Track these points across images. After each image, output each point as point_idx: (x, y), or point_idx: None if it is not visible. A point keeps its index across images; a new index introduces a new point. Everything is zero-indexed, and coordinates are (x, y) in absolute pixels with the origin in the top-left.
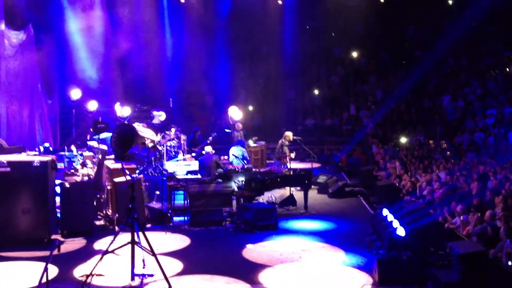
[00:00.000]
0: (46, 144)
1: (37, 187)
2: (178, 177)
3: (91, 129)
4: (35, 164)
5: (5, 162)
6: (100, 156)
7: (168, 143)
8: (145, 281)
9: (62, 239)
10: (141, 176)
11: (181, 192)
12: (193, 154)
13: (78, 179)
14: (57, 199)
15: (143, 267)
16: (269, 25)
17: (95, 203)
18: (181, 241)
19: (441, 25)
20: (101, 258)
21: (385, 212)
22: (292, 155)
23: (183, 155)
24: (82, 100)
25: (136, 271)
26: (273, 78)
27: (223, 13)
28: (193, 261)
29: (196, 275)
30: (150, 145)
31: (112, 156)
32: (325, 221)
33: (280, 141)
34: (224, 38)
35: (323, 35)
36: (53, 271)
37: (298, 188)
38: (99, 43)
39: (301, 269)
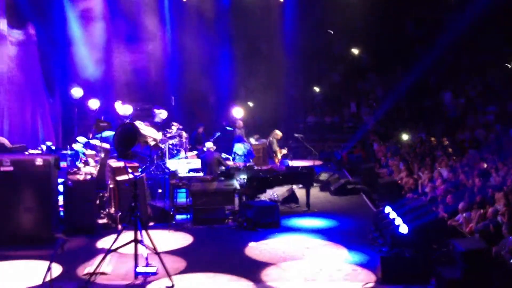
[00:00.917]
0: (49, 143)
1: (40, 186)
2: (180, 175)
3: (94, 128)
4: (37, 163)
5: (8, 161)
6: (102, 155)
7: (170, 141)
8: (148, 279)
9: (65, 238)
10: (144, 174)
11: (184, 190)
12: (196, 152)
13: (81, 177)
14: (60, 197)
15: (146, 265)
16: (270, 23)
17: (98, 202)
18: (183, 239)
19: (442, 21)
20: (104, 257)
21: (388, 209)
22: (284, 151)
23: (185, 153)
24: (84, 99)
25: (139, 269)
26: (274, 75)
27: (224, 10)
28: (196, 259)
29: (199, 273)
30: (152, 143)
31: (115, 154)
32: (327, 219)
33: (268, 139)
34: (225, 36)
35: (323, 32)
36: (57, 269)
37: (300, 185)
38: (101, 41)
39: (304, 266)
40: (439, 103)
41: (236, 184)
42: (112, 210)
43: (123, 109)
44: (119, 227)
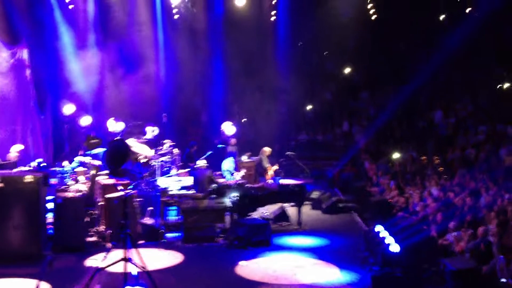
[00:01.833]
0: (39, 160)
1: (28, 203)
2: (171, 192)
3: (84, 144)
4: (27, 180)
5: None
6: (93, 172)
7: (161, 158)
8: None
9: (54, 255)
10: (134, 191)
11: (174, 207)
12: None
13: (71, 195)
14: (49, 215)
15: (136, 284)
16: (262, 41)
17: (87, 219)
18: (174, 257)
19: (433, 41)
20: (93, 275)
21: (379, 228)
22: (275, 167)
23: (177, 170)
24: (75, 115)
25: None
26: (266, 93)
27: (217, 28)
28: (185, 277)
29: None
30: (143, 160)
31: (105, 172)
32: (318, 237)
33: (258, 157)
34: (217, 54)
35: (315, 50)
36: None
37: (292, 203)
38: (93, 58)
39: (295, 286)
40: (430, 122)
41: (227, 202)
42: (102, 228)
43: (115, 126)
44: (109, 245)
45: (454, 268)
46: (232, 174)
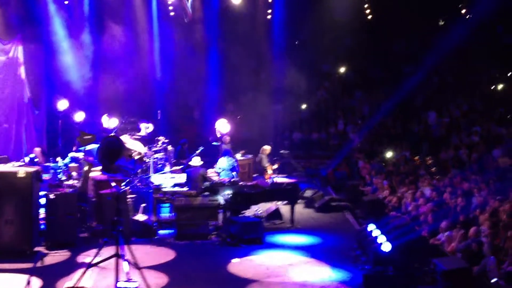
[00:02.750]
0: (32, 155)
1: (21, 198)
2: (165, 189)
3: (78, 140)
4: (19, 175)
5: None
6: (86, 168)
7: (155, 155)
8: None
9: (45, 251)
10: (127, 188)
11: (167, 205)
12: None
13: (63, 190)
14: (42, 210)
15: (128, 280)
16: (258, 39)
17: (79, 215)
18: (166, 254)
19: (428, 42)
20: (85, 271)
21: (371, 227)
22: (275, 166)
23: (170, 168)
24: (69, 111)
25: (120, 285)
26: (261, 91)
27: (212, 26)
28: (178, 274)
29: None
30: (137, 157)
31: (98, 168)
32: (311, 236)
33: (258, 156)
34: (213, 52)
35: (311, 49)
36: (37, 283)
37: (285, 202)
38: (88, 54)
39: (288, 284)
40: (424, 122)
41: (220, 199)
42: (94, 224)
43: (109, 122)
44: (101, 241)
45: (445, 267)
46: (232, 171)
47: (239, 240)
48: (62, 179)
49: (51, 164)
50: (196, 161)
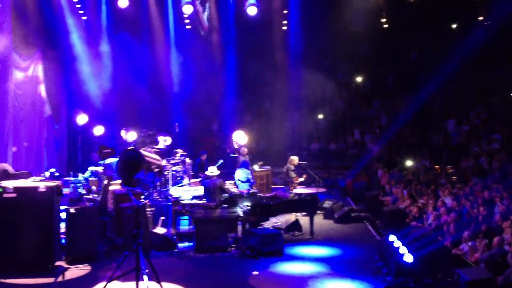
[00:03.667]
0: (52, 170)
1: (42, 212)
2: (183, 202)
3: (97, 154)
4: (40, 190)
5: (11, 187)
6: (105, 182)
7: (173, 168)
8: None
9: (66, 266)
10: (147, 201)
11: (186, 217)
12: (199, 179)
13: (84, 204)
14: (62, 224)
15: None
16: (274, 50)
17: (100, 229)
18: (186, 267)
19: (445, 49)
20: (105, 285)
21: (392, 238)
22: (302, 179)
23: (189, 180)
24: (88, 125)
25: None
26: (278, 102)
27: (229, 38)
28: (198, 287)
29: None
30: (156, 170)
31: (118, 181)
32: (331, 247)
33: (285, 166)
34: (229, 63)
35: (327, 59)
36: None
37: (304, 213)
38: (107, 68)
39: None
40: (443, 131)
41: (239, 211)
42: (115, 238)
43: (127, 135)
44: (121, 254)
45: (469, 278)
46: (247, 183)
47: (259, 253)
48: (82, 193)
49: (72, 178)
50: (212, 171)
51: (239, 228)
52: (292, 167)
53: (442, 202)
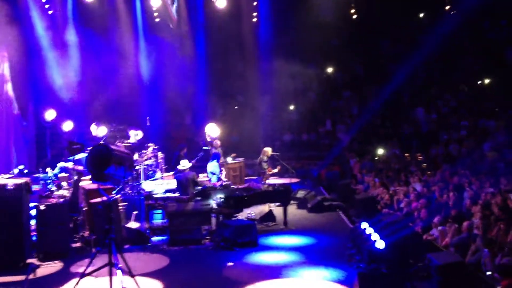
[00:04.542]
0: (21, 167)
1: (11, 210)
2: (156, 196)
3: (66, 150)
4: (8, 187)
5: None
6: (75, 177)
7: (145, 162)
8: None
9: (38, 263)
10: (118, 196)
11: (159, 211)
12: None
13: (54, 201)
14: (33, 221)
15: None
16: (244, 42)
17: (71, 225)
18: (160, 261)
19: (414, 39)
20: (78, 281)
21: (364, 225)
22: (275, 170)
23: (161, 174)
24: (57, 121)
25: None
26: (250, 94)
27: (199, 29)
28: (172, 281)
29: None
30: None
31: (88, 177)
32: (305, 236)
33: (259, 158)
34: (200, 55)
35: (297, 51)
36: None
37: (277, 203)
38: (74, 62)
39: (283, 286)
40: (412, 119)
41: (212, 203)
42: (86, 233)
43: (98, 130)
44: (93, 250)
45: (440, 262)
46: (217, 175)
47: (233, 244)
48: (52, 189)
49: (41, 175)
50: (184, 165)
51: (213, 220)
52: (265, 158)
53: (413, 188)
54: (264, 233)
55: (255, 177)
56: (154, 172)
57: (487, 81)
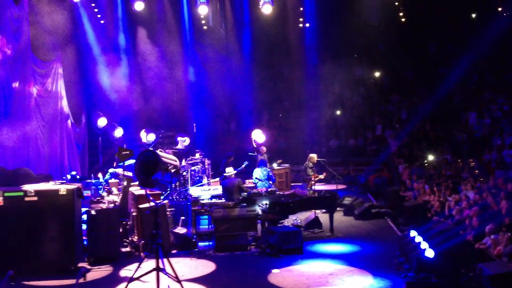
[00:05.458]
0: (73, 172)
1: (63, 215)
2: (203, 201)
3: (116, 156)
4: (61, 193)
5: (32, 191)
6: (125, 183)
7: (192, 168)
8: None
9: (88, 267)
10: (166, 201)
11: (206, 217)
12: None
13: (104, 206)
14: (84, 226)
15: None
16: (291, 48)
17: (121, 230)
18: (206, 266)
19: (465, 41)
20: (126, 286)
21: (413, 233)
22: (321, 176)
23: (207, 180)
24: (108, 128)
25: None
26: (296, 100)
27: (246, 37)
28: (218, 286)
29: None
30: (173, 170)
31: (137, 183)
32: (351, 244)
33: (304, 164)
34: (247, 62)
35: (344, 55)
36: None
37: (324, 210)
38: (125, 70)
39: None
40: (464, 124)
41: (258, 209)
42: (135, 238)
43: (147, 137)
44: (142, 255)
45: (492, 272)
46: (267, 181)
47: (279, 250)
48: (103, 195)
49: (92, 181)
50: (229, 171)
51: (259, 226)
52: (310, 165)
53: (465, 196)
54: (310, 240)
55: (300, 183)
56: (201, 178)
57: None
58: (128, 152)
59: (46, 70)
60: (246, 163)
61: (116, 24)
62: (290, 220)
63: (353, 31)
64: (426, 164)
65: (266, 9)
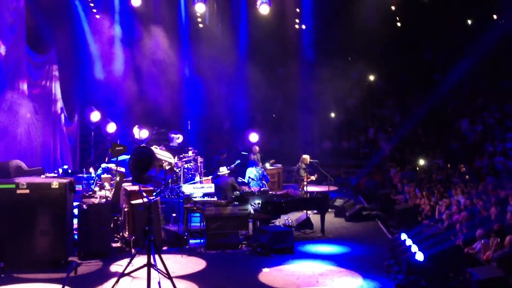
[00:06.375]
0: (65, 166)
1: (55, 209)
2: (195, 199)
3: (109, 151)
4: (53, 186)
5: (24, 183)
6: (117, 178)
7: (185, 165)
8: None
9: (79, 261)
10: (158, 198)
11: (198, 214)
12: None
13: (96, 201)
14: (75, 221)
15: None
16: (286, 48)
17: (112, 225)
18: (197, 264)
19: (460, 48)
20: (117, 281)
21: (404, 236)
22: (313, 177)
23: (200, 177)
24: (101, 123)
25: None
26: (290, 101)
27: (241, 37)
28: (208, 284)
29: None
30: (167, 167)
31: (130, 178)
32: (342, 245)
33: (297, 164)
34: (242, 61)
35: (340, 57)
36: None
37: (315, 211)
38: (120, 66)
39: None
40: (456, 130)
41: (250, 209)
42: (126, 234)
43: (140, 133)
44: (133, 251)
45: (481, 277)
46: (263, 177)
47: (270, 250)
48: (94, 189)
49: (84, 175)
50: (223, 170)
51: (250, 225)
52: (303, 166)
53: (456, 200)
54: (301, 240)
55: (293, 184)
56: (193, 175)
57: None
58: (121, 148)
59: (41, 63)
60: (238, 161)
61: (112, 19)
62: (282, 220)
63: (349, 34)
64: (417, 169)
65: (264, 10)
